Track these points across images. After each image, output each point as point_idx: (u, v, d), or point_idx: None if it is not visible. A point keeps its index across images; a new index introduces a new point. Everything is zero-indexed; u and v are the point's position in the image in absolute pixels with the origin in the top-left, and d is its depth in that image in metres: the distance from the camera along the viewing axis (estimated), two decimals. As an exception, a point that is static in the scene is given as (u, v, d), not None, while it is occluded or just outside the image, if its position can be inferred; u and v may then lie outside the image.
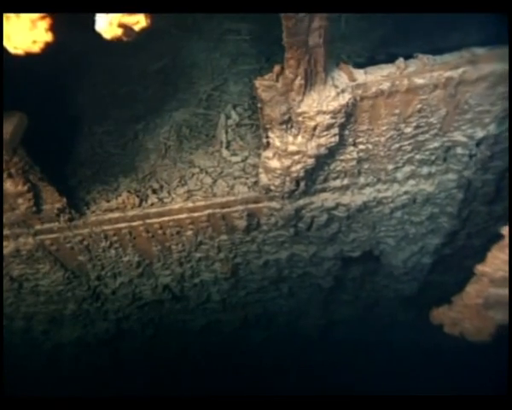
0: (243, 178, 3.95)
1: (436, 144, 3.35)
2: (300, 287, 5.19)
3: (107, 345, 5.80)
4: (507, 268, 2.36)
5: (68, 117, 4.43)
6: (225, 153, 4.15)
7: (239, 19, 5.07)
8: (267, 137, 3.20)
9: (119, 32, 1.31)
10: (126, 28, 1.31)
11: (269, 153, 3.31)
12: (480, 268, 2.48)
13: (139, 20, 1.29)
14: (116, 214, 3.78)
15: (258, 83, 2.94)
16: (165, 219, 3.89)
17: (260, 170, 3.56)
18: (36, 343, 5.60)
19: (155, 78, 4.87)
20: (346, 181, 3.67)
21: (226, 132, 4.27)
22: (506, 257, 2.29)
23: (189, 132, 4.40)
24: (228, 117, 4.38)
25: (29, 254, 3.98)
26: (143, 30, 1.36)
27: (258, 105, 3.02)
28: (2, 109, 2.93)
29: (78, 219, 3.77)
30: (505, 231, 2.19)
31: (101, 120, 4.51)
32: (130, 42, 3.26)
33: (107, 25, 1.29)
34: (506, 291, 2.64)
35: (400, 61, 2.88)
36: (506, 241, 2.23)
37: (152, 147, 4.33)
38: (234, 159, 4.09)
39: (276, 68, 2.88)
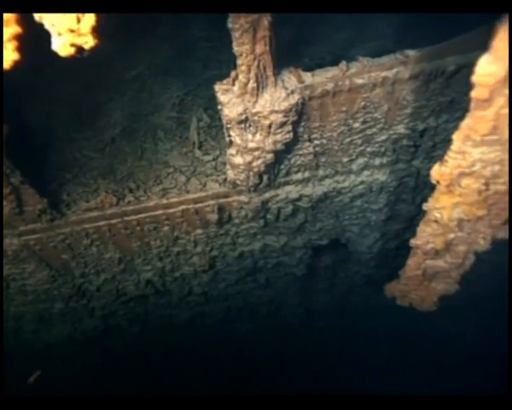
0: (215, 175, 4.26)
1: (383, 137, 3.68)
2: (276, 277, 5.49)
3: (96, 342, 6.03)
4: (434, 240, 2.69)
5: (48, 124, 4.70)
6: (198, 153, 4.46)
7: (209, 27, 5.39)
8: (229, 135, 3.51)
9: (71, 50, 1.61)
10: (78, 47, 1.62)
11: (232, 150, 3.62)
12: (413, 242, 2.80)
13: (87, 40, 1.59)
14: (95, 213, 4.06)
15: (217, 87, 3.26)
16: (142, 215, 4.17)
17: (227, 166, 3.88)
18: (28, 343, 5.81)
19: (131, 85, 5.17)
20: (306, 174, 3.99)
21: (198, 134, 4.58)
22: (431, 230, 2.62)
23: (164, 135, 4.70)
24: (200, 119, 4.69)
25: (15, 255, 4.24)
26: (93, 48, 1.67)
27: (219, 107, 3.34)
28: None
29: (60, 219, 4.04)
30: (426, 206, 2.52)
31: (79, 127, 4.79)
32: (108, 52, 3.57)
33: (61, 45, 1.60)
34: (441, 263, 2.97)
35: (343, 64, 3.20)
36: (429, 216, 2.56)
37: (129, 150, 4.62)
38: (206, 158, 4.40)
39: (233, 73, 3.20)
